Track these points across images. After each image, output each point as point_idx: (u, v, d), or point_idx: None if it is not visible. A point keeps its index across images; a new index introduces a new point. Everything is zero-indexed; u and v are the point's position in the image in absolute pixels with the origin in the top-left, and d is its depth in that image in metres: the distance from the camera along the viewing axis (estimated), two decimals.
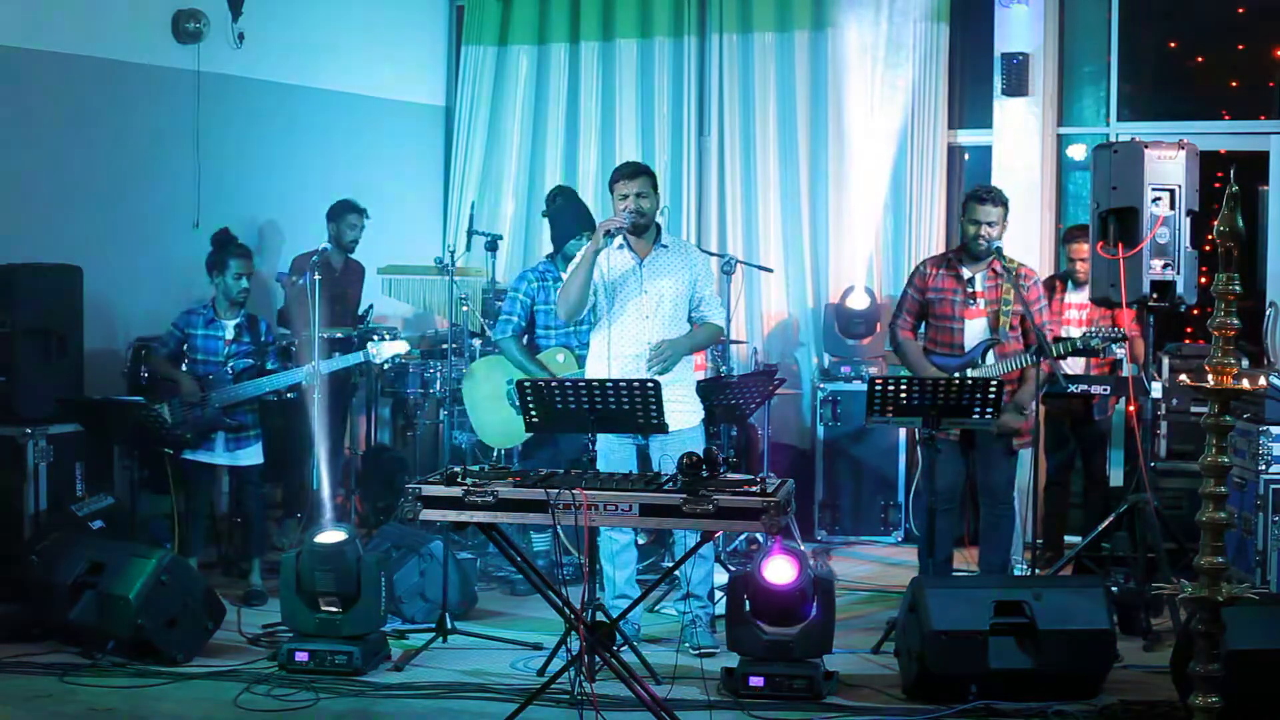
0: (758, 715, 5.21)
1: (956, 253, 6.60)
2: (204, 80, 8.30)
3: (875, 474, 8.41)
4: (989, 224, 6.37)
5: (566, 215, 7.18)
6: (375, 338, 7.08)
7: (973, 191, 6.55)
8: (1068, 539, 7.50)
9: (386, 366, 7.66)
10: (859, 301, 8.48)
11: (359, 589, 5.78)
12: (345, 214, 8.18)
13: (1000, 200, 6.43)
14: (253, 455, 7.03)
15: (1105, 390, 6.95)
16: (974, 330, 6.46)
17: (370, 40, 9.38)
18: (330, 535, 5.90)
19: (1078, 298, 7.41)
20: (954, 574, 6.57)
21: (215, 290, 7.03)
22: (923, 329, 6.66)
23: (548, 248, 9.53)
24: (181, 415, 6.75)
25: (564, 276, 6.85)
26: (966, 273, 6.47)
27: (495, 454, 7.41)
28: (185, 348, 6.95)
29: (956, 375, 6.16)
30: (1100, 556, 6.71)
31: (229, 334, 6.97)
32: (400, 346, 7.17)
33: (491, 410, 7.04)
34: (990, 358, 6.42)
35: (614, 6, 9.43)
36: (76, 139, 7.71)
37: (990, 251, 6.39)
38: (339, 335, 7.75)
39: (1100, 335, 6.49)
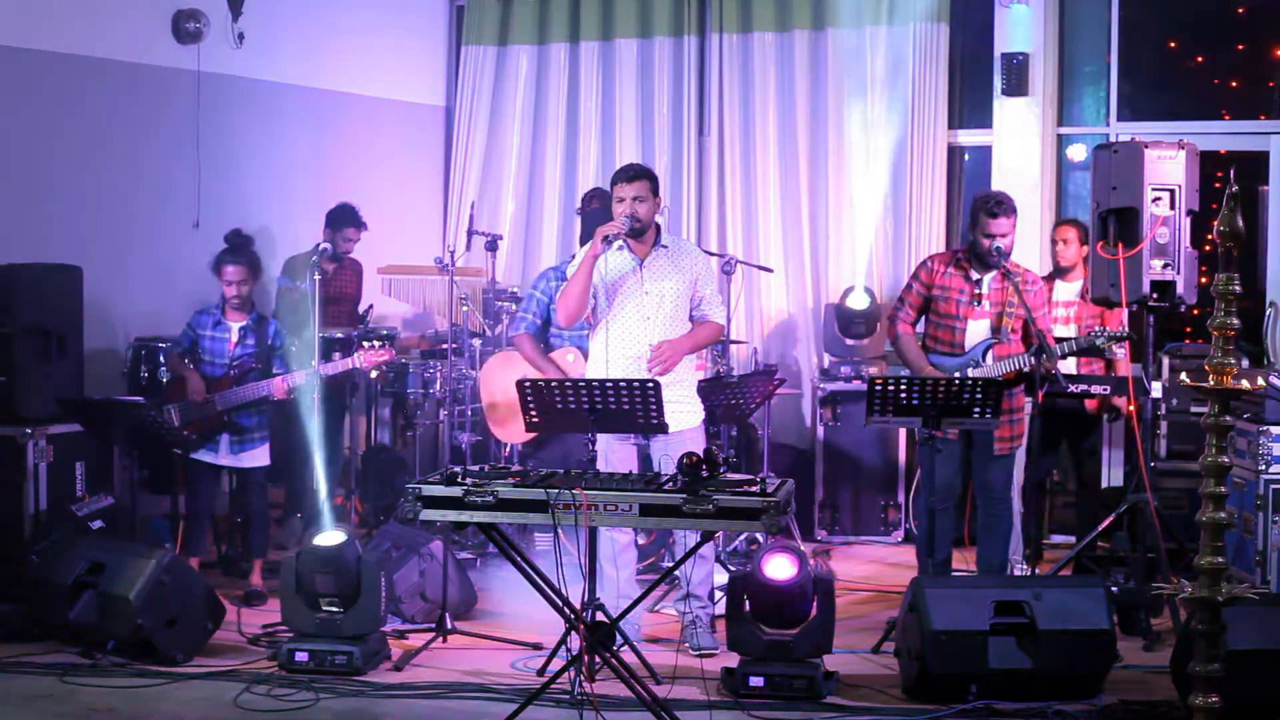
0: (758, 715, 5.21)
1: (965, 253, 6.57)
2: (204, 80, 8.30)
3: (875, 474, 8.41)
4: (1002, 235, 6.37)
5: (598, 219, 7.15)
6: (366, 345, 6.96)
7: (984, 204, 6.39)
8: (1065, 539, 7.49)
9: (375, 375, 7.60)
10: (859, 301, 8.47)
11: (359, 589, 5.78)
12: (344, 226, 8.16)
13: (1011, 210, 6.40)
14: (256, 458, 7.00)
15: (1106, 390, 6.95)
16: (975, 331, 6.46)
17: (370, 40, 9.38)
18: (329, 537, 5.89)
19: (1064, 294, 7.39)
20: (953, 574, 6.56)
21: None
22: (921, 324, 6.66)
23: (548, 247, 9.61)
24: (190, 416, 6.76)
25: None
26: (975, 275, 6.46)
27: (507, 449, 7.42)
28: (196, 347, 6.95)
29: (956, 375, 6.17)
30: (1100, 556, 6.71)
31: (234, 336, 6.95)
32: (384, 354, 6.86)
33: (503, 407, 7.07)
34: (989, 358, 6.42)
35: (614, 6, 9.43)
36: (77, 139, 7.70)
37: (1003, 260, 6.38)
38: (338, 336, 7.75)
39: (1105, 335, 6.48)
